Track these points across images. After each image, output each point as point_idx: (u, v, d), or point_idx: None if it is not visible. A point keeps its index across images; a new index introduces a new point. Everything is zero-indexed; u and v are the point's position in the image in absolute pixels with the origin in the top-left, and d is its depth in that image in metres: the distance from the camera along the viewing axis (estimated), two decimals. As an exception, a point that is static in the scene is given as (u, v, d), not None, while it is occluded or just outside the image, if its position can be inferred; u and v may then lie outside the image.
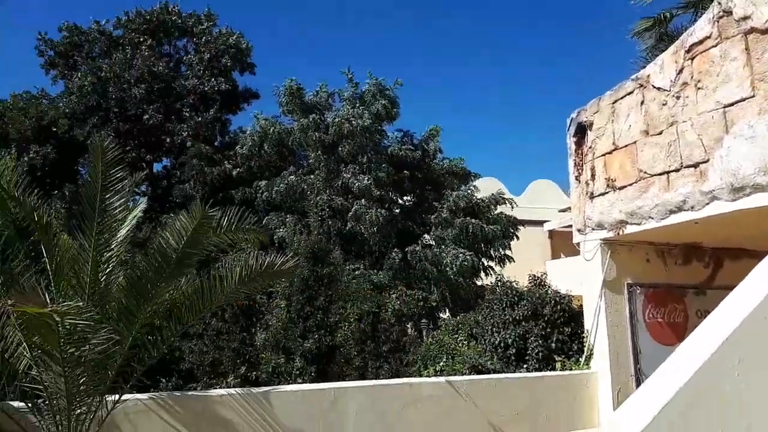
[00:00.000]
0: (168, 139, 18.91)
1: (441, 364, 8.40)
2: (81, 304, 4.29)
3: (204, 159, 18.61)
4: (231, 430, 6.08)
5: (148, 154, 19.87)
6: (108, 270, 5.20)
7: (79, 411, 4.97)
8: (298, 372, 8.10)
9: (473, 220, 18.61)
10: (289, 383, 8.00)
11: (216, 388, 7.20)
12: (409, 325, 16.05)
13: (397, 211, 20.35)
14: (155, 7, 20.42)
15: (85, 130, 17.45)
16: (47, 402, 4.94)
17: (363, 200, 18.37)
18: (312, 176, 19.14)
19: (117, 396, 5.34)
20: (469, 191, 19.92)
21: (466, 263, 17.64)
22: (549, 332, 9.46)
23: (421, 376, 9.33)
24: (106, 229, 5.10)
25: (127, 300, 5.10)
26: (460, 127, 57.21)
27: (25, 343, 4.87)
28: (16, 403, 5.19)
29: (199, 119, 19.34)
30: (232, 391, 6.25)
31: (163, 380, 8.52)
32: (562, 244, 27.67)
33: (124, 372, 5.32)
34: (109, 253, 5.13)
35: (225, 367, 7.93)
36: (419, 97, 55.08)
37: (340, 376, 8.81)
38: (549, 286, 10.30)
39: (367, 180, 18.35)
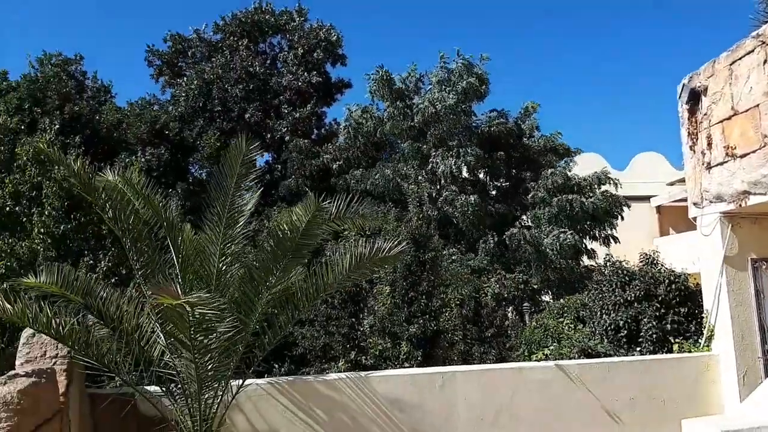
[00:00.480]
0: (268, 135, 19.72)
1: (551, 348, 8.22)
2: (209, 294, 4.56)
3: (303, 153, 19.21)
4: (344, 412, 6.29)
5: (250, 150, 20.76)
6: (228, 261, 5.52)
7: (207, 395, 5.33)
8: (404, 356, 8.24)
9: (572, 196, 17.93)
10: (395, 367, 8.16)
11: (328, 373, 7.47)
12: (509, 309, 15.84)
13: (493, 193, 20.02)
14: (249, 9, 21.30)
15: (193, 131, 18.57)
16: (180, 386, 5.33)
17: (453, 186, 18.23)
18: (405, 164, 19.23)
19: (240, 381, 5.67)
20: (565, 166, 19.18)
21: (567, 242, 17.06)
22: (663, 313, 9.04)
23: (526, 360, 9.21)
24: (232, 223, 5.41)
25: (248, 289, 5.40)
26: (559, 102, 54.99)
27: (159, 331, 5.30)
28: (151, 388, 5.64)
29: (297, 115, 19.97)
30: (343, 375, 6.47)
31: (276, 365, 8.95)
32: (672, 219, 26.18)
33: (246, 358, 5.64)
34: (233, 246, 5.45)
35: (335, 352, 8.22)
36: (515, 74, 53.48)
37: (444, 360, 8.87)
38: (662, 265, 9.81)
39: (455, 165, 18.15)
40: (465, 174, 19.32)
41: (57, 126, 11.10)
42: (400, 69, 19.85)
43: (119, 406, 5.68)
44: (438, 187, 18.67)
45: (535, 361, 7.84)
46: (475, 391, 6.69)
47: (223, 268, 5.54)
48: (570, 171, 19.17)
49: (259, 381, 6.16)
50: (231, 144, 5.55)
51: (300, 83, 20.36)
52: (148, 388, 5.66)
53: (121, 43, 46.49)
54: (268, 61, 21.61)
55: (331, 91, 22.39)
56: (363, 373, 6.49)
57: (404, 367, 8.13)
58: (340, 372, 7.38)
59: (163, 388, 5.48)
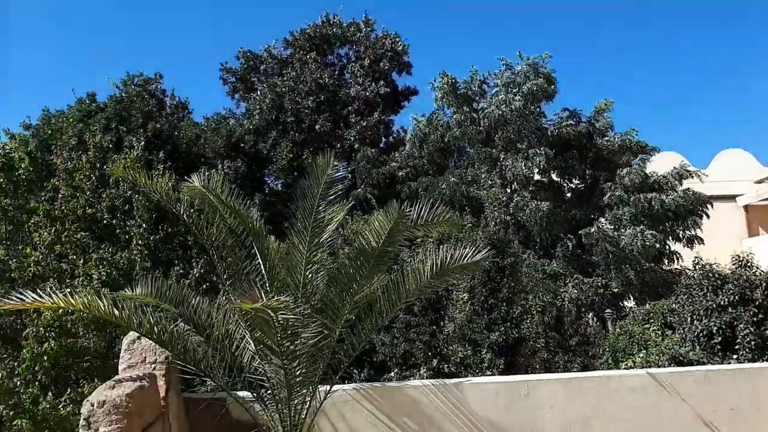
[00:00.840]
0: (338, 145, 20.09)
1: (642, 355, 7.89)
2: (290, 299, 4.64)
3: (371, 162, 19.48)
4: (428, 419, 6.26)
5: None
6: (313, 268, 5.62)
7: (296, 401, 5.43)
8: (486, 364, 8.11)
9: (651, 195, 17.22)
10: (477, 375, 8.05)
11: (410, 380, 7.46)
12: (590, 315, 15.33)
13: (568, 195, 19.53)
14: (317, 22, 21.81)
15: (267, 143, 19.15)
16: (270, 392, 5.45)
17: (524, 192, 17.94)
18: (474, 169, 19.09)
19: (328, 386, 5.74)
20: (640, 163, 18.44)
21: (647, 242, 16.36)
22: (762, 318, 8.55)
23: (611, 368, 8.89)
24: (318, 232, 5.53)
25: (333, 296, 5.48)
26: (635, 100, 52.89)
27: (248, 338, 5.46)
28: (242, 393, 5.80)
29: (364, 123, 20.27)
30: (427, 382, 6.44)
31: (356, 371, 9.01)
32: (761, 219, 24.74)
33: (332, 364, 5.71)
34: (319, 254, 5.56)
35: (416, 359, 8.19)
36: (587, 72, 51.93)
37: (526, 368, 8.68)
38: (757, 267, 9.27)
39: (526, 168, 17.83)
40: (537, 176, 18.98)
41: (143, 143, 11.74)
42: (457, 64, 19.92)
43: (213, 410, 5.88)
44: (509, 191, 18.43)
45: (624, 369, 7.54)
46: (561, 400, 6.51)
47: (310, 275, 5.64)
48: (647, 168, 18.45)
49: (345, 387, 6.22)
50: (317, 157, 5.70)
51: (368, 93, 20.65)
52: (239, 393, 5.81)
53: (194, 59, 48.56)
54: (336, 72, 22.02)
55: (397, 98, 22.60)
56: (448, 381, 6.43)
57: (486, 375, 8.02)
58: (423, 379, 7.35)
59: (254, 394, 5.61)
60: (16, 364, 7.29)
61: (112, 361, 7.31)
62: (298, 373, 5.29)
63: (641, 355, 8.23)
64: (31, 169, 9.85)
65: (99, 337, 7.14)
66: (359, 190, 18.98)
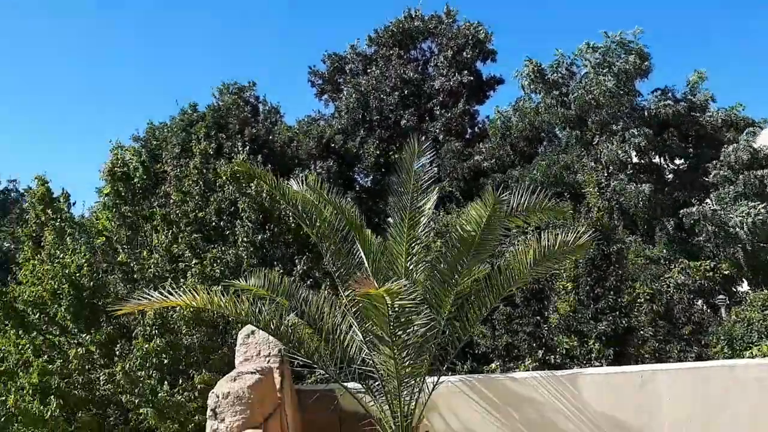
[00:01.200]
0: (423, 138, 20.07)
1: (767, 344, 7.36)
2: (406, 283, 4.68)
3: (456, 156, 19.42)
4: (539, 410, 6.12)
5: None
6: (412, 260, 5.66)
7: (405, 392, 5.48)
8: (594, 355, 7.85)
9: (762, 172, 15.99)
10: (584, 366, 7.82)
11: (514, 371, 7.35)
12: (699, 302, 14.49)
13: (670, 176, 18.54)
14: (399, 18, 21.93)
15: (356, 141, 19.55)
16: (379, 383, 5.54)
17: (621, 175, 17.19)
18: (566, 155, 18.52)
19: (435, 378, 5.76)
20: (748, 138, 17.16)
21: (760, 217, 15.18)
22: None
23: (727, 357, 8.40)
24: (414, 224, 5.57)
25: (435, 286, 5.50)
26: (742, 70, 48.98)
27: (355, 329, 5.57)
28: (351, 384, 5.92)
29: (449, 115, 20.18)
30: (535, 373, 6.31)
31: (458, 363, 8.98)
32: None
33: (439, 355, 5.73)
34: (417, 247, 5.61)
35: (520, 351, 8.06)
36: (684, 45, 48.68)
37: (637, 359, 8.33)
38: None
39: (623, 151, 17.07)
40: (634, 159, 18.16)
41: (247, 147, 12.32)
42: (542, 47, 19.47)
43: (323, 401, 6.05)
44: (606, 174, 17.73)
45: (749, 358, 7.06)
46: (680, 391, 6.17)
47: (411, 267, 5.68)
48: (756, 144, 17.18)
49: (451, 378, 6.22)
50: (403, 148, 5.73)
51: (452, 84, 20.54)
52: (348, 384, 5.94)
53: (282, 63, 50.09)
54: (420, 67, 22.06)
55: (482, 87, 22.33)
56: (558, 372, 6.28)
57: (594, 366, 7.76)
58: (528, 371, 7.23)
59: (363, 385, 5.72)
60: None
61: (217, 352, 7.72)
62: (407, 363, 5.33)
63: (767, 344, 7.67)
64: (145, 177, 10.61)
65: (201, 333, 7.54)
66: (444, 183, 18.95)
